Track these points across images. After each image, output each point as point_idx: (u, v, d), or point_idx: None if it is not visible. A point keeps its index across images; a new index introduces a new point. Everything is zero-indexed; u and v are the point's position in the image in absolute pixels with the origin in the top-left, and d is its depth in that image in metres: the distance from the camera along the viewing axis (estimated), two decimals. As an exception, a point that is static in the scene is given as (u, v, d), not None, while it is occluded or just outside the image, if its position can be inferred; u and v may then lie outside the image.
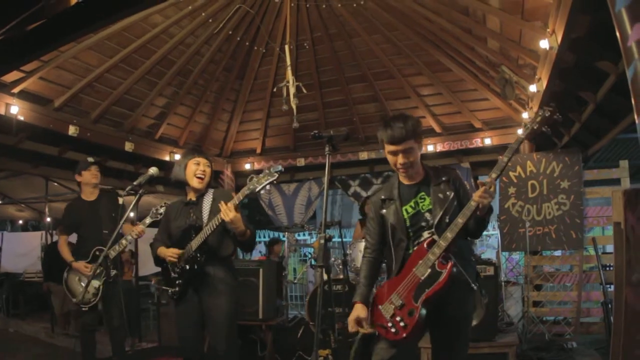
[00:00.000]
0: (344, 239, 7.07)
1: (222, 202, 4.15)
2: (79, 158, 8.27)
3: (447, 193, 3.36)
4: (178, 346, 4.56)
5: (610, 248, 8.73)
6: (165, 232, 4.59)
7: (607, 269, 7.27)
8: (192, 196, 4.55)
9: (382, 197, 3.55)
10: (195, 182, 4.44)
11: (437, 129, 9.20)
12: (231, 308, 4.39)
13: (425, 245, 3.25)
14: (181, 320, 4.43)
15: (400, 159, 3.34)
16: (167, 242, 4.52)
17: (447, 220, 3.28)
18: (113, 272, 5.41)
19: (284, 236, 11.27)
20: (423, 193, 3.42)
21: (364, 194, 10.18)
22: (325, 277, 3.42)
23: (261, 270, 7.04)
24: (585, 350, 6.82)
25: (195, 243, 4.29)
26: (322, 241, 3.25)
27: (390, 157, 3.41)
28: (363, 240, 7.61)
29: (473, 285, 3.29)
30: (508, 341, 5.85)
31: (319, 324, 3.24)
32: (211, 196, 4.56)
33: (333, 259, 7.45)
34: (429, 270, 3.17)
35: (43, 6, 3.54)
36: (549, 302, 7.68)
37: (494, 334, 5.86)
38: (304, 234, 13.57)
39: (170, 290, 4.42)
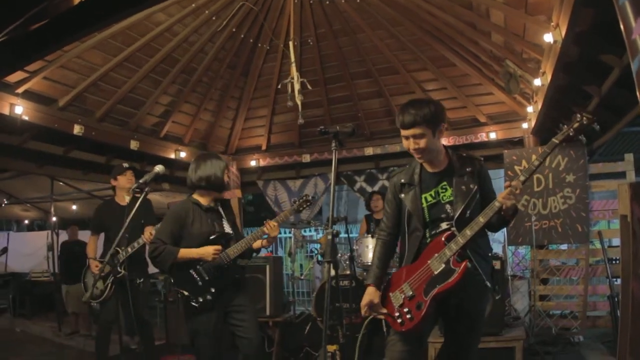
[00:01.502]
0: (350, 235, 7.05)
1: (268, 220, 4.39)
2: (84, 157, 8.38)
3: (471, 186, 3.30)
4: (197, 355, 4.50)
5: (616, 241, 8.70)
6: (177, 236, 4.40)
7: (613, 262, 7.27)
8: (207, 201, 4.55)
9: (402, 181, 3.51)
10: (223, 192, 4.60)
11: (442, 124, 9.17)
12: (254, 302, 4.69)
13: (443, 239, 3.21)
14: (206, 329, 4.30)
15: (410, 144, 3.30)
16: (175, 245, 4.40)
17: (467, 215, 3.24)
18: (121, 273, 5.46)
19: (290, 232, 11.27)
20: (445, 183, 3.37)
21: (369, 189, 10.17)
22: (332, 272, 3.42)
23: (268, 266, 7.05)
24: (592, 344, 6.83)
25: (233, 252, 4.37)
26: (330, 237, 3.25)
27: (404, 141, 3.37)
28: (369, 235, 7.63)
29: (487, 283, 3.25)
30: (515, 335, 5.87)
31: (327, 319, 3.24)
32: (219, 204, 4.68)
33: (340, 255, 7.46)
34: (443, 266, 3.14)
35: (46, 6, 3.54)
36: (555, 296, 7.68)
37: (501, 328, 5.88)
38: (310, 230, 13.57)
39: (200, 299, 4.27)
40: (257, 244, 4.54)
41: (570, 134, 3.07)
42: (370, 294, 3.44)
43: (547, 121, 7.50)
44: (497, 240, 10.61)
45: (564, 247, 8.00)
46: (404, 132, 3.31)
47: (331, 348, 5.51)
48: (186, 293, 4.30)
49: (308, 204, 4.55)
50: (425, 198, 3.39)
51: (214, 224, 4.47)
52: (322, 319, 6.90)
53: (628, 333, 2.70)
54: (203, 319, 4.30)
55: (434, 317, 3.35)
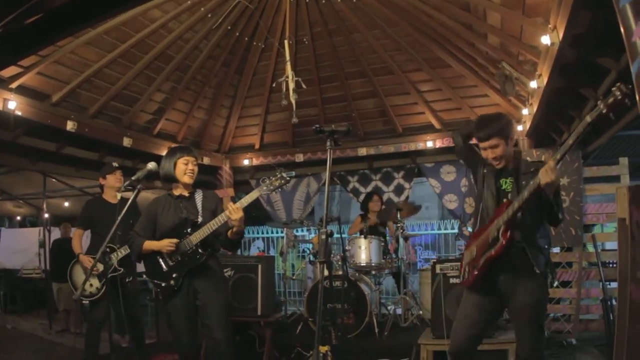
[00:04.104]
0: (343, 235, 7.02)
1: (231, 203, 4.41)
2: (77, 154, 8.31)
3: (531, 182, 3.53)
4: (174, 341, 4.63)
5: (609, 245, 8.72)
6: (149, 227, 4.66)
7: (607, 265, 7.26)
8: (182, 192, 4.71)
9: (485, 170, 4.04)
10: (186, 179, 4.63)
11: (437, 125, 9.19)
12: (226, 298, 4.76)
13: (504, 208, 3.61)
14: (177, 314, 4.51)
15: (489, 154, 3.79)
16: (150, 237, 4.61)
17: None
18: (119, 271, 5.57)
19: (282, 232, 11.24)
20: (511, 177, 3.81)
21: (362, 189, 10.16)
22: (326, 272, 3.41)
23: (260, 266, 7.01)
24: (585, 347, 6.82)
25: (196, 238, 4.45)
26: (324, 237, 3.24)
27: (482, 152, 3.89)
28: (362, 236, 7.59)
29: (536, 269, 3.52)
30: (508, 338, 5.82)
31: (320, 319, 3.24)
32: (201, 194, 4.78)
33: (332, 255, 7.41)
34: (496, 233, 3.51)
35: (41, 0, 3.51)
36: (548, 298, 7.66)
37: (494, 331, 5.85)
38: (302, 230, 13.53)
39: (163, 284, 4.48)
40: (229, 234, 4.58)
41: (603, 111, 3.01)
42: None
43: (542, 123, 7.49)
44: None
45: (557, 250, 8.00)
46: (482, 145, 3.79)
47: (323, 349, 5.48)
48: (152, 278, 4.59)
49: (283, 181, 4.59)
50: (500, 183, 3.86)
51: (183, 210, 4.62)
52: (314, 320, 6.89)
53: (625, 336, 2.69)
54: (171, 303, 4.52)
55: (494, 299, 3.77)
